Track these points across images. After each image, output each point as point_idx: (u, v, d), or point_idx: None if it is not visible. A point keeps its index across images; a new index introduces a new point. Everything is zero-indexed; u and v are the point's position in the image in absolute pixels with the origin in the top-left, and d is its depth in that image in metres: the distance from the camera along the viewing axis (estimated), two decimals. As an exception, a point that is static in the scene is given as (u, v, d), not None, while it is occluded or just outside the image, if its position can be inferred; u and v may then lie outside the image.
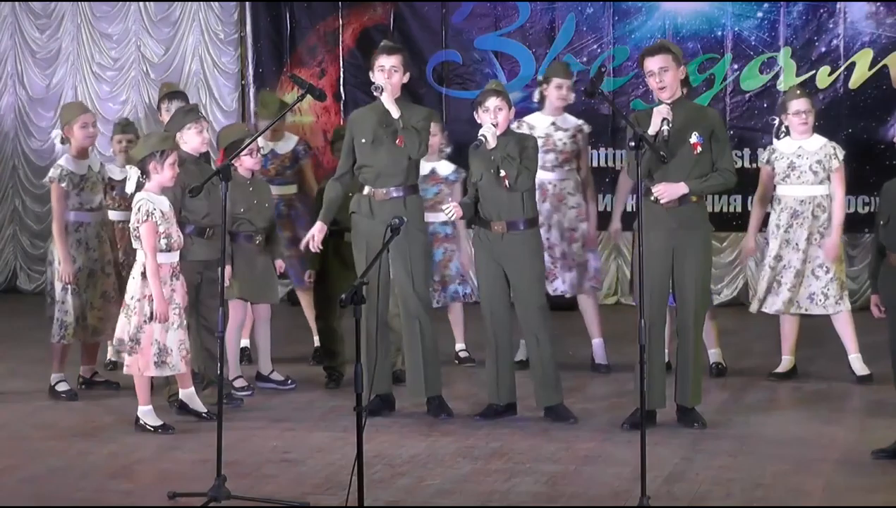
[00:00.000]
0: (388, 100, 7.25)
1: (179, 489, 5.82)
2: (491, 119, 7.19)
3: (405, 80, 7.39)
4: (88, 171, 7.91)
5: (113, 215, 8.32)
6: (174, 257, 7.03)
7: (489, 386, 7.36)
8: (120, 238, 8.19)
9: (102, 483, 6.12)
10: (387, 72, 7.25)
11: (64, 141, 7.93)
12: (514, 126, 8.31)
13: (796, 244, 8.14)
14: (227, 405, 7.00)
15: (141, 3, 12.44)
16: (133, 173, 6.99)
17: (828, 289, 8.12)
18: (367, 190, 7.37)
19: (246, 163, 7.91)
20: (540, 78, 8.81)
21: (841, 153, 8.20)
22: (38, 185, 12.65)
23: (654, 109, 6.88)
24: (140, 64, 12.46)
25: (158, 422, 7.05)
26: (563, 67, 8.75)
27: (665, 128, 6.77)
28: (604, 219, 9.17)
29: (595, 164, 11.34)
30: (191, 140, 7.46)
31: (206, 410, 7.22)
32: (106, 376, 8.33)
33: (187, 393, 7.26)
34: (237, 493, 5.66)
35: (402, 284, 7.36)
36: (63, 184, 7.78)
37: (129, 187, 7.03)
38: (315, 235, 7.42)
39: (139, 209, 6.90)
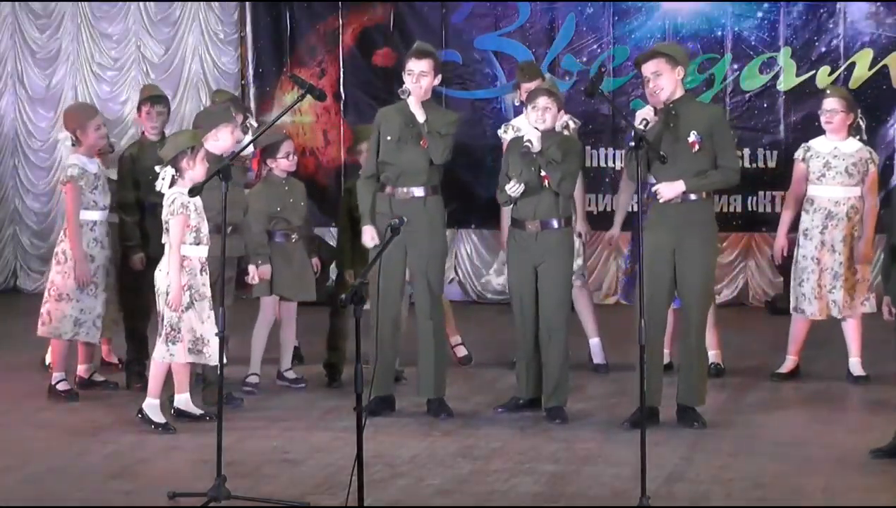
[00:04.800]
0: (414, 105, 7.24)
1: (179, 489, 5.82)
2: (539, 117, 7.18)
3: (436, 82, 7.36)
4: (100, 169, 7.94)
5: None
6: (203, 251, 7.10)
7: (517, 381, 7.46)
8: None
9: (102, 483, 6.12)
10: (415, 76, 7.24)
11: (74, 142, 7.93)
12: (500, 131, 8.40)
13: (832, 246, 8.09)
14: (226, 405, 6.99)
15: (141, 3, 12.44)
16: (167, 173, 7.03)
17: (854, 291, 8.09)
18: (388, 189, 7.35)
19: (282, 165, 8.07)
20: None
21: (877, 158, 8.18)
22: (38, 185, 12.66)
23: (638, 112, 6.93)
24: (140, 64, 12.45)
25: (161, 420, 7.05)
26: (529, 69, 8.67)
27: (643, 125, 6.76)
28: (605, 221, 9.16)
29: (595, 164, 11.36)
30: (224, 139, 7.49)
31: (201, 412, 7.23)
32: (104, 376, 8.33)
33: (182, 399, 7.25)
34: (237, 493, 5.66)
35: (420, 285, 7.36)
36: (81, 183, 7.77)
37: (164, 187, 7.05)
38: (375, 237, 7.35)
39: (173, 202, 6.97)
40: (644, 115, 6.82)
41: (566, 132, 8.50)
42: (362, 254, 7.85)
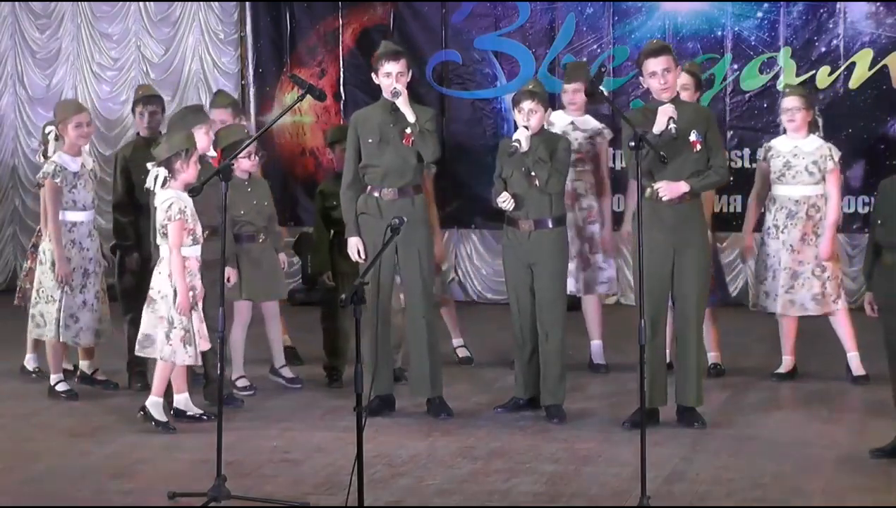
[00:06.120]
0: (404, 105, 7.24)
1: (179, 489, 5.83)
2: (524, 120, 7.19)
3: (408, 80, 7.39)
4: (81, 169, 7.91)
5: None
6: (199, 250, 7.10)
7: (515, 381, 7.47)
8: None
9: (102, 483, 6.12)
10: (394, 77, 7.24)
11: (58, 137, 7.93)
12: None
13: (791, 245, 8.13)
14: (226, 405, 6.99)
15: (141, 3, 12.44)
16: (161, 173, 7.02)
17: (826, 288, 8.12)
18: (371, 189, 7.35)
19: (243, 165, 7.94)
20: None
21: (837, 154, 8.20)
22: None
23: (660, 109, 6.87)
24: (140, 64, 12.46)
25: (164, 418, 7.05)
26: (572, 71, 8.70)
27: (672, 126, 6.77)
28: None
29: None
30: (199, 140, 7.48)
31: (200, 412, 7.23)
32: (105, 375, 8.32)
33: (181, 399, 7.25)
34: (237, 493, 5.66)
35: (411, 284, 7.36)
36: (57, 181, 7.76)
37: (155, 186, 7.04)
38: (360, 250, 7.39)
39: (170, 207, 6.97)
40: (670, 113, 6.80)
41: (598, 138, 8.54)
42: (343, 255, 7.80)
